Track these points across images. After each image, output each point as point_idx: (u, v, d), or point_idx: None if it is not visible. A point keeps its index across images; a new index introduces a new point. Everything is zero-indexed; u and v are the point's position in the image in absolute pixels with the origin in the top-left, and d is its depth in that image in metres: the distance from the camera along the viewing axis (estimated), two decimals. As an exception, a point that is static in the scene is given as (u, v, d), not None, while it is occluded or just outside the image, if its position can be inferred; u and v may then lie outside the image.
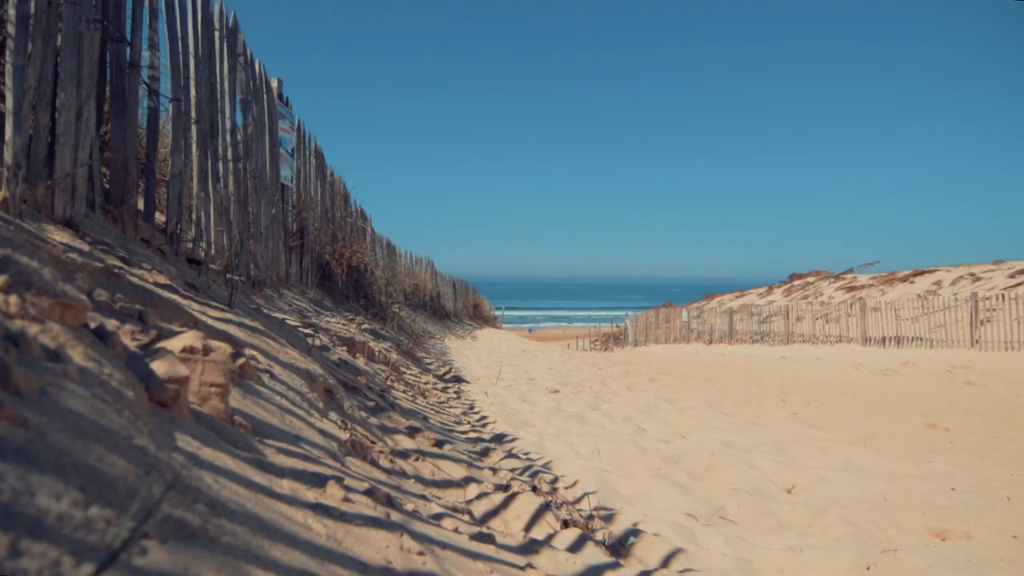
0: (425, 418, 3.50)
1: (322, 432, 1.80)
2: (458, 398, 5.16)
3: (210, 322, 2.12)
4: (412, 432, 2.80)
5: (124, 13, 3.11)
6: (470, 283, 25.26)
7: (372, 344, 5.53)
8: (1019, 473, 3.31)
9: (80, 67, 2.52)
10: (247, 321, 2.62)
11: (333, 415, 2.17)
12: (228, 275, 3.32)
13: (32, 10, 2.19)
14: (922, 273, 21.88)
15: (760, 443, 3.98)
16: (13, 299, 0.79)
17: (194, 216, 3.88)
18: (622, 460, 3.45)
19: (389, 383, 4.21)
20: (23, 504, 0.51)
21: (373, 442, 2.15)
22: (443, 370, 7.02)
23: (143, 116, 3.48)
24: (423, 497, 1.79)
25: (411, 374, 5.50)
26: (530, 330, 36.60)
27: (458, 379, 6.52)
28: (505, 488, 2.31)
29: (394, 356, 5.50)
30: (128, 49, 3.16)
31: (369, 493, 1.34)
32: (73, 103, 2.48)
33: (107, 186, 3.11)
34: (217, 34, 4.27)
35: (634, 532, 2.16)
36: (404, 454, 2.30)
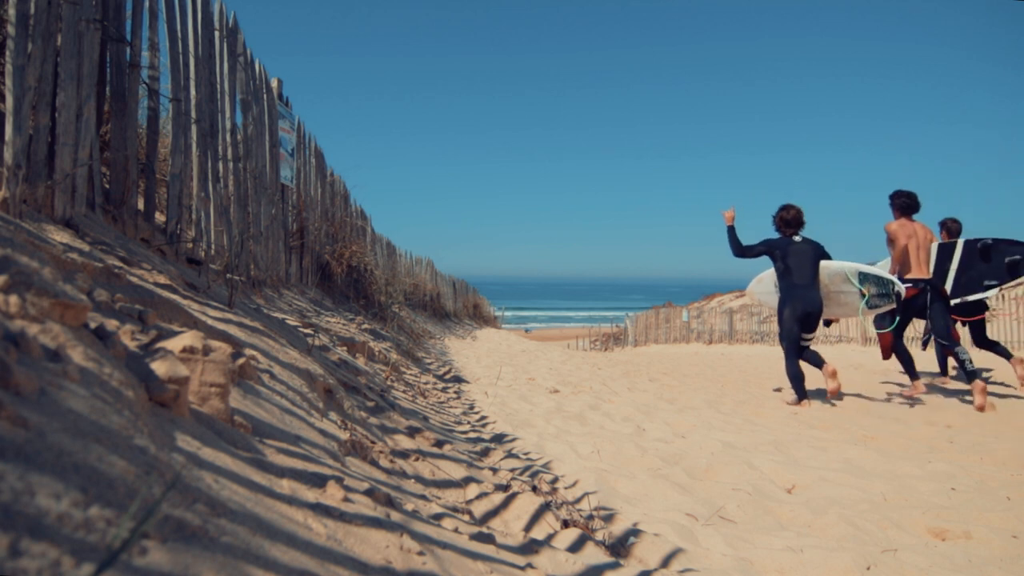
0: (425, 418, 3.50)
1: (322, 432, 1.80)
2: (458, 398, 5.16)
3: (210, 322, 2.13)
4: (412, 432, 2.80)
5: (124, 13, 3.11)
6: (470, 283, 25.26)
7: (372, 344, 5.53)
8: (1019, 473, 3.32)
9: (80, 67, 2.53)
10: (247, 321, 2.62)
11: (333, 415, 2.17)
12: (228, 275, 3.32)
13: (32, 10, 2.19)
14: (922, 273, 21.84)
15: (760, 443, 3.98)
16: (13, 299, 0.79)
17: (194, 216, 3.88)
18: (622, 460, 3.45)
19: (389, 383, 4.21)
20: (23, 504, 0.51)
21: (373, 442, 2.15)
22: (443, 370, 7.03)
23: (143, 116, 3.48)
24: (423, 497, 1.79)
25: (411, 374, 5.50)
26: (527, 330, 36.62)
27: (458, 379, 6.52)
28: (505, 488, 2.31)
29: (394, 356, 5.50)
30: (128, 49, 3.16)
31: (369, 493, 1.34)
32: (73, 103, 2.48)
33: (107, 186, 3.11)
34: (217, 34, 4.27)
35: (634, 532, 2.16)
36: (404, 454, 2.30)
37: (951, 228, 6.83)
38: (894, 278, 5.52)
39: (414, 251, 16.34)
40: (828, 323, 6.21)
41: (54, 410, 0.68)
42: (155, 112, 3.45)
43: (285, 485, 1.10)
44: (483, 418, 4.41)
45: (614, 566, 1.79)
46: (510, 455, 3.24)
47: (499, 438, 3.75)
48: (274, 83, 5.95)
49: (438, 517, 1.60)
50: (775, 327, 16.74)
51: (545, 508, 2.12)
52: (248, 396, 1.60)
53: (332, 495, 1.18)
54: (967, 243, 6.22)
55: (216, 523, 0.73)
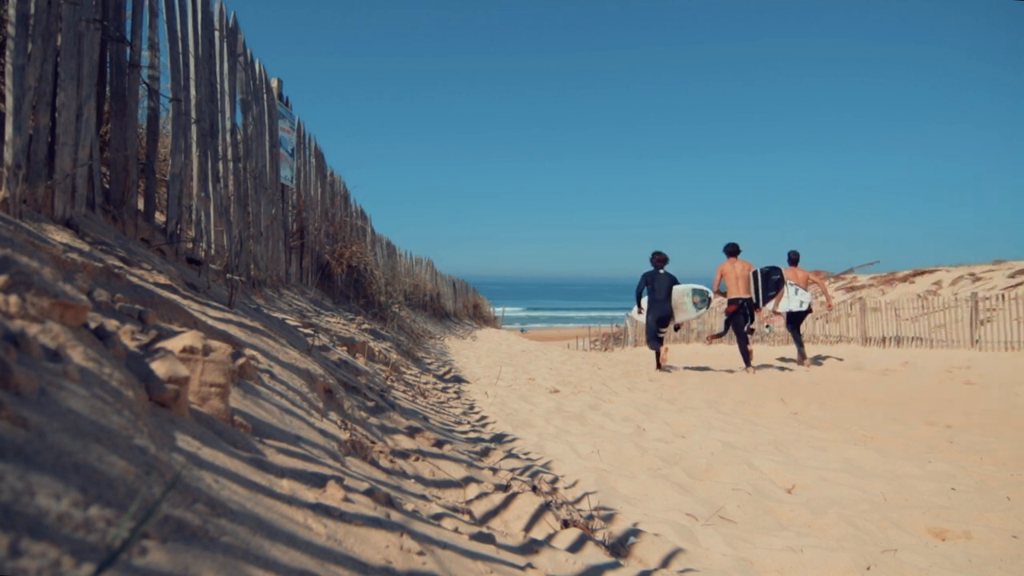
0: (425, 418, 3.50)
1: (322, 432, 1.80)
2: (458, 398, 5.16)
3: (210, 322, 2.13)
4: (412, 432, 2.80)
5: (124, 13, 3.11)
6: (470, 283, 25.25)
7: (372, 344, 5.53)
8: (1019, 473, 3.32)
9: (80, 67, 2.53)
10: (247, 321, 2.62)
11: (333, 415, 2.17)
12: (228, 275, 3.33)
13: (32, 10, 2.19)
14: (922, 273, 21.87)
15: (760, 443, 3.98)
16: (13, 299, 0.79)
17: (194, 216, 3.88)
18: (622, 460, 3.45)
19: (389, 383, 4.21)
20: (23, 504, 0.51)
21: (373, 442, 2.15)
22: (443, 370, 7.03)
23: (143, 116, 3.48)
24: (423, 497, 1.79)
25: (411, 374, 5.50)
26: (522, 330, 36.61)
27: (458, 379, 6.52)
28: (505, 488, 2.31)
29: (394, 356, 5.50)
30: (128, 49, 3.16)
31: (369, 493, 1.34)
32: (73, 103, 2.48)
33: (107, 186, 3.11)
34: (217, 34, 4.27)
35: (634, 532, 2.16)
36: (404, 454, 2.30)
37: (792, 257, 10.18)
38: (709, 290, 9.17)
39: (414, 251, 16.36)
40: (677, 327, 9.88)
41: (54, 410, 0.68)
42: (155, 112, 3.45)
43: (285, 485, 1.10)
44: (483, 418, 4.42)
45: (614, 566, 1.79)
46: (510, 455, 3.24)
47: (499, 438, 3.75)
48: (274, 83, 5.95)
49: (438, 517, 1.60)
50: (775, 328, 16.90)
51: (545, 508, 2.12)
52: (248, 396, 1.60)
53: (332, 495, 1.18)
54: (760, 271, 9.32)
55: (216, 523, 0.73)
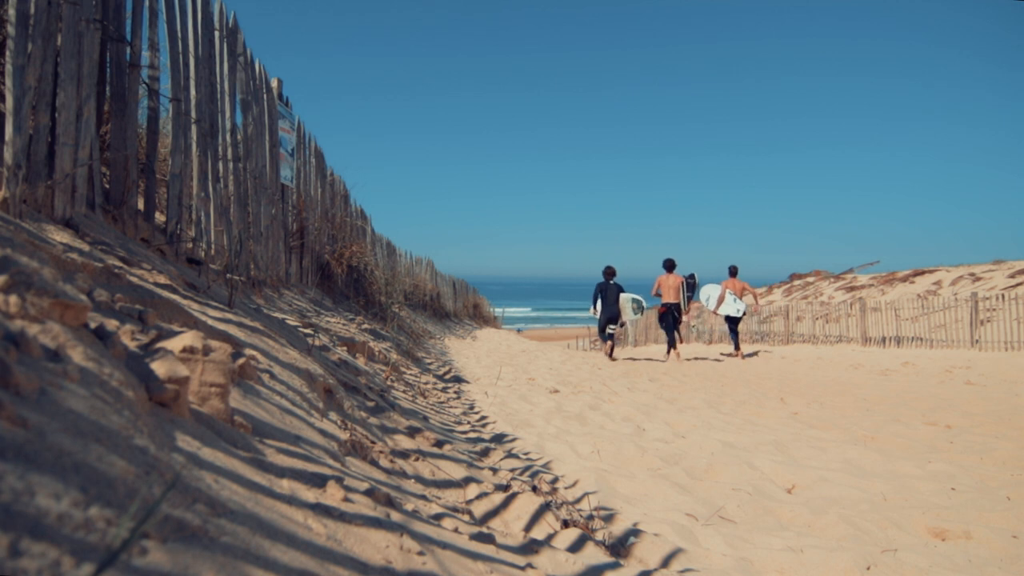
0: (425, 418, 3.50)
1: (322, 432, 1.80)
2: (458, 398, 5.16)
3: (210, 322, 2.12)
4: (412, 432, 2.80)
5: (124, 13, 3.11)
6: (470, 283, 25.24)
7: (372, 344, 5.53)
8: (1019, 473, 3.32)
9: (80, 67, 2.52)
10: (247, 321, 2.62)
11: (333, 415, 2.17)
12: (228, 275, 3.32)
13: (32, 10, 2.19)
14: (922, 273, 21.88)
15: (760, 443, 3.98)
16: (13, 299, 0.79)
17: (194, 216, 3.88)
18: (622, 460, 3.45)
19: (389, 383, 4.21)
20: (23, 504, 0.51)
21: (373, 442, 2.15)
22: (443, 370, 7.03)
23: (143, 116, 3.48)
24: (423, 497, 1.79)
25: (411, 374, 5.50)
26: (519, 330, 36.62)
27: (458, 379, 6.52)
28: (505, 488, 2.31)
29: (394, 356, 5.50)
30: (128, 49, 3.16)
31: (369, 493, 1.34)
32: (73, 103, 2.48)
33: (107, 186, 3.11)
34: (217, 34, 4.27)
35: (634, 532, 2.16)
36: (404, 454, 2.30)
37: (731, 270, 12.45)
38: (643, 300, 11.59)
39: (414, 251, 16.34)
40: (622, 324, 11.84)
41: (54, 410, 0.68)
42: (155, 112, 3.45)
43: (285, 485, 1.10)
44: (483, 418, 4.42)
45: (614, 566, 1.79)
46: (510, 455, 3.24)
47: (499, 438, 3.75)
48: (274, 83, 5.95)
49: (438, 517, 1.60)
50: (775, 327, 16.97)
51: (545, 508, 2.12)
52: (248, 396, 1.60)
53: (332, 495, 1.18)
54: (685, 279, 11.63)
55: (216, 523, 0.73)
